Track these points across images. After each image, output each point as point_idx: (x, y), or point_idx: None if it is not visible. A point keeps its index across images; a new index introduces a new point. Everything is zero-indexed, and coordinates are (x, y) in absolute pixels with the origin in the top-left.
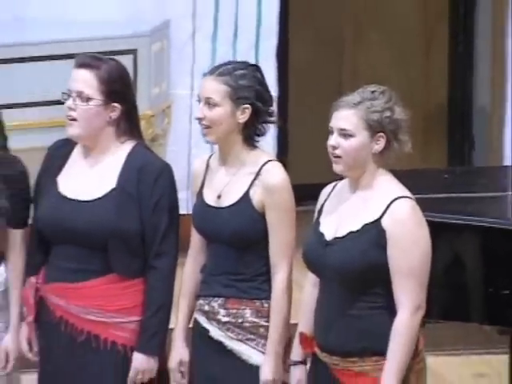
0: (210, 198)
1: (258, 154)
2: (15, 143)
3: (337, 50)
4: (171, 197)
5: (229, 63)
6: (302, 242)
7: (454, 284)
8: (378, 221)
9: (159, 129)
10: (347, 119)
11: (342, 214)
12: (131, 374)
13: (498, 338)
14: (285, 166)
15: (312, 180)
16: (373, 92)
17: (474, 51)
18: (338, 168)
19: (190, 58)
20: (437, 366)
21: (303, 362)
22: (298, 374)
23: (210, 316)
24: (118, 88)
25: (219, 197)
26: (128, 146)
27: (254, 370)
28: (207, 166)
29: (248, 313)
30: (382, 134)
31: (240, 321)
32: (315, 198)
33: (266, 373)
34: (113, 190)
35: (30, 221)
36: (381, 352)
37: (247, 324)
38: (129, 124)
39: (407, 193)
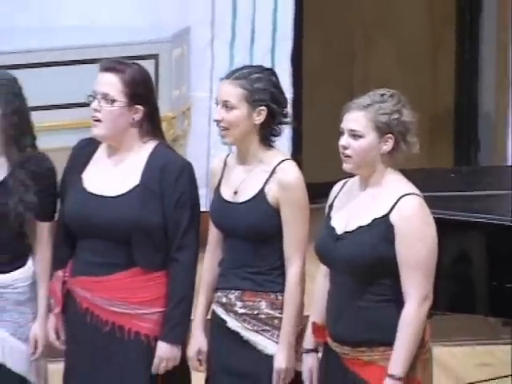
0: (227, 194)
1: (273, 153)
2: (44, 143)
3: (348, 55)
4: (192, 194)
5: (245, 68)
6: (314, 237)
7: (460, 278)
8: (386, 216)
9: (180, 130)
10: (357, 121)
11: (352, 210)
12: (155, 361)
13: (501, 330)
14: (299, 164)
15: (325, 178)
16: (382, 95)
17: (480, 57)
18: (347, 166)
19: (209, 62)
20: (443, 355)
21: (315, 350)
22: (310, 361)
23: (228, 308)
24: (141, 91)
25: (236, 193)
26: (150, 146)
27: (269, 359)
28: (225, 163)
29: (263, 305)
30: (390, 135)
31: (256, 312)
32: (328, 195)
33: (280, 361)
34: (136, 186)
35: (56, 215)
36: (388, 342)
37: (262, 316)
38: (151, 125)
39: (415, 190)
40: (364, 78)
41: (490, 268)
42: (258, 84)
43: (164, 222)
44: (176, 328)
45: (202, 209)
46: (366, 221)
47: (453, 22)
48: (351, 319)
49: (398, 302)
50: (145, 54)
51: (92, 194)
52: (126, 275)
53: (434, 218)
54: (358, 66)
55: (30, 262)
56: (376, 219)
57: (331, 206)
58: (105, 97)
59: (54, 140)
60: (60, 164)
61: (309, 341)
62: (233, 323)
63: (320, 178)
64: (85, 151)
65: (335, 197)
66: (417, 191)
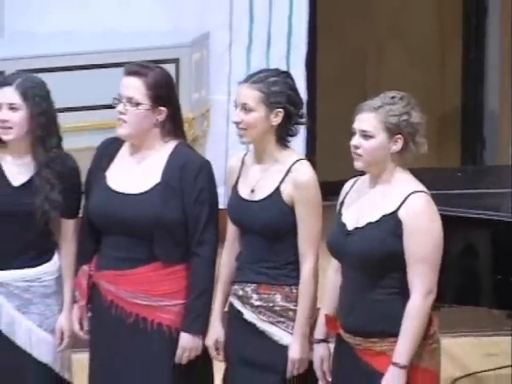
0: (244, 192)
1: (289, 153)
2: (69, 144)
3: (361, 58)
4: (211, 191)
5: (262, 71)
6: (326, 233)
7: (466, 272)
8: (395, 212)
9: (199, 130)
10: (368, 122)
11: (362, 207)
12: (178, 352)
13: (505, 321)
14: (313, 164)
15: (337, 177)
16: (392, 97)
17: (485, 61)
18: (358, 165)
19: (227, 66)
20: (450, 346)
21: (325, 341)
22: (321, 350)
23: (244, 300)
24: (164, 93)
25: (252, 191)
26: (171, 145)
27: (284, 349)
28: (242, 162)
29: (278, 297)
30: (399, 135)
31: (271, 305)
32: (340, 193)
33: (294, 351)
34: (157, 184)
35: (80, 213)
36: (396, 334)
37: (277, 308)
38: (173, 125)
39: (423, 188)
40: (375, 82)
41: (495, 263)
42: (275, 87)
43: (184, 219)
44: (197, 319)
45: (220, 206)
46: (375, 217)
47: (459, 28)
48: (363, 311)
49: (406, 294)
50: (166, 58)
51: (115, 191)
52: (148, 269)
53: (442, 214)
54: (369, 70)
55: (55, 257)
56: (385, 215)
57: (342, 203)
58: (130, 100)
59: (79, 140)
60: (85, 163)
61: (320, 331)
62: (249, 315)
63: (332, 176)
64: (108, 150)
65: (346, 194)
66: (424, 189)
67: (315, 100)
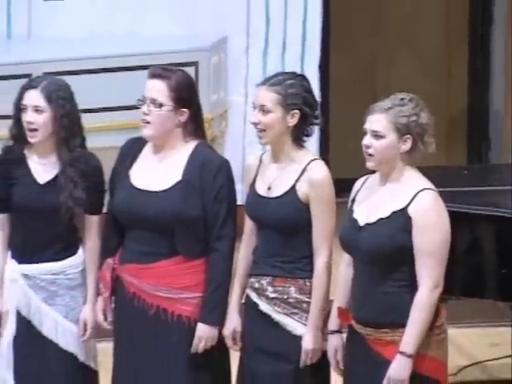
0: (261, 189)
1: (304, 153)
2: (93, 143)
3: (372, 62)
4: (229, 188)
5: (279, 74)
6: (339, 228)
7: (472, 266)
8: (404, 209)
9: (217, 130)
10: (379, 122)
11: (372, 203)
12: (195, 341)
13: (510, 313)
14: (326, 163)
15: (350, 175)
16: (402, 99)
17: (490, 66)
18: (370, 164)
19: (244, 69)
20: (457, 336)
21: (339, 331)
22: (335, 341)
23: (260, 292)
24: (186, 95)
25: (269, 188)
26: (192, 145)
27: (298, 339)
28: (260, 161)
29: (293, 290)
30: (408, 135)
31: (285, 297)
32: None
33: (307, 342)
34: (178, 182)
35: (104, 209)
36: (406, 324)
37: (292, 300)
38: (195, 126)
39: (431, 185)
40: (386, 84)
41: (500, 257)
42: (292, 89)
43: (204, 215)
44: (214, 311)
45: (238, 203)
46: (385, 213)
47: (466, 35)
48: (375, 304)
49: (417, 287)
50: (186, 61)
51: (138, 189)
52: (169, 263)
53: (449, 211)
54: (380, 74)
55: (80, 251)
56: (395, 212)
57: (354, 200)
58: (153, 101)
59: (103, 140)
60: (109, 162)
61: (333, 323)
62: (264, 306)
63: (345, 174)
64: (132, 150)
65: (357, 191)
66: (433, 186)
67: (328, 101)
